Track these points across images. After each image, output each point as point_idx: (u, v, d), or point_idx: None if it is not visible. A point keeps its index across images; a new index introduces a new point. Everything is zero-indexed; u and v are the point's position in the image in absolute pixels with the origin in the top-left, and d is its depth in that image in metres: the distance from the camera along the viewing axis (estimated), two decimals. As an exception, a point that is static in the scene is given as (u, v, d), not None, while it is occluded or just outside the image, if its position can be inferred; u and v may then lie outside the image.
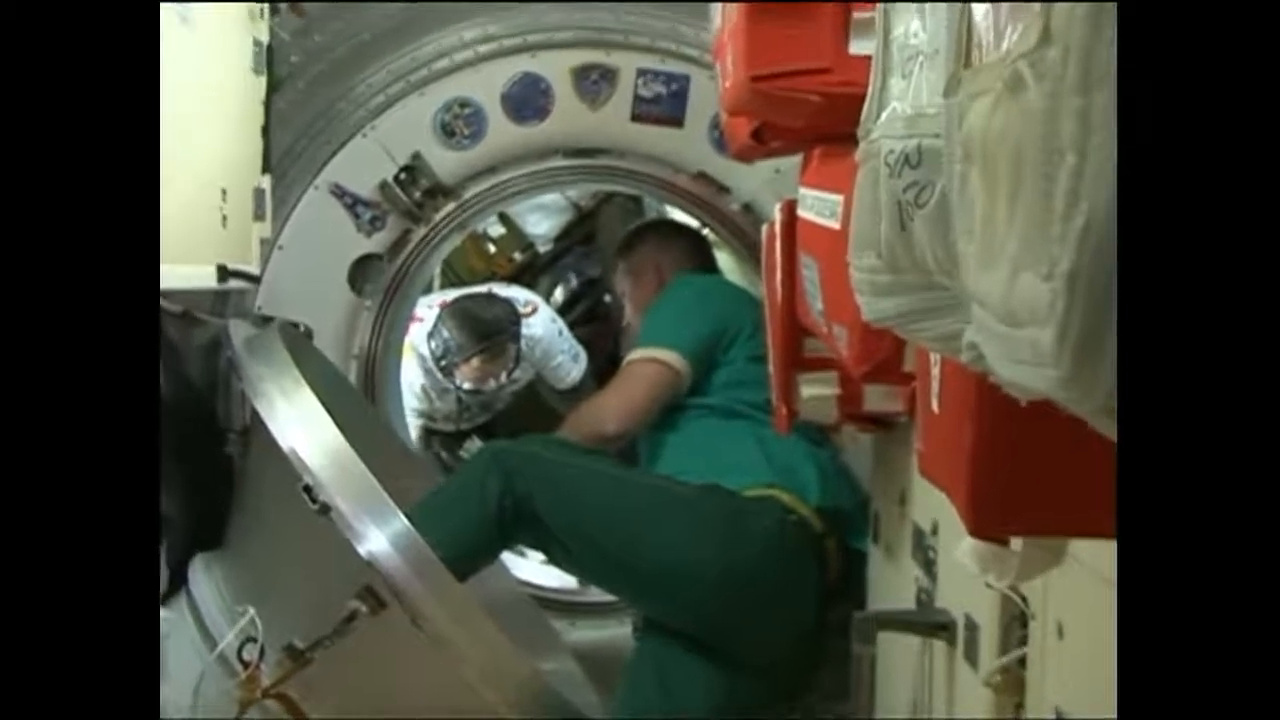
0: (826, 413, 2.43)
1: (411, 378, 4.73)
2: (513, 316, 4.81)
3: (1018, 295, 0.66)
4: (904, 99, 1.03)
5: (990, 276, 0.71)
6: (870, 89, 1.12)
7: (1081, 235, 0.61)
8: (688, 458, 3.19)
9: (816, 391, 2.39)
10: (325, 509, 2.54)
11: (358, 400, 3.55)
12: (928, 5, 0.97)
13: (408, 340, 4.41)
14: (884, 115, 1.07)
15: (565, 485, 2.96)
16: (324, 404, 2.71)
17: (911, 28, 1.03)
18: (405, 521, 2.59)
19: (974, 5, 0.81)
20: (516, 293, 5.07)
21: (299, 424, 2.68)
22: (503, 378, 4.85)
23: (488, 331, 4.70)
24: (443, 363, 4.74)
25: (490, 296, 4.91)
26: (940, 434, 1.25)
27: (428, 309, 4.75)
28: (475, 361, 4.72)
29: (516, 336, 4.81)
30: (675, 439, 3.28)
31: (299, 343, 3.23)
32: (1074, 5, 0.59)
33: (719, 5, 2.24)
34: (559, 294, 5.66)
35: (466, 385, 4.81)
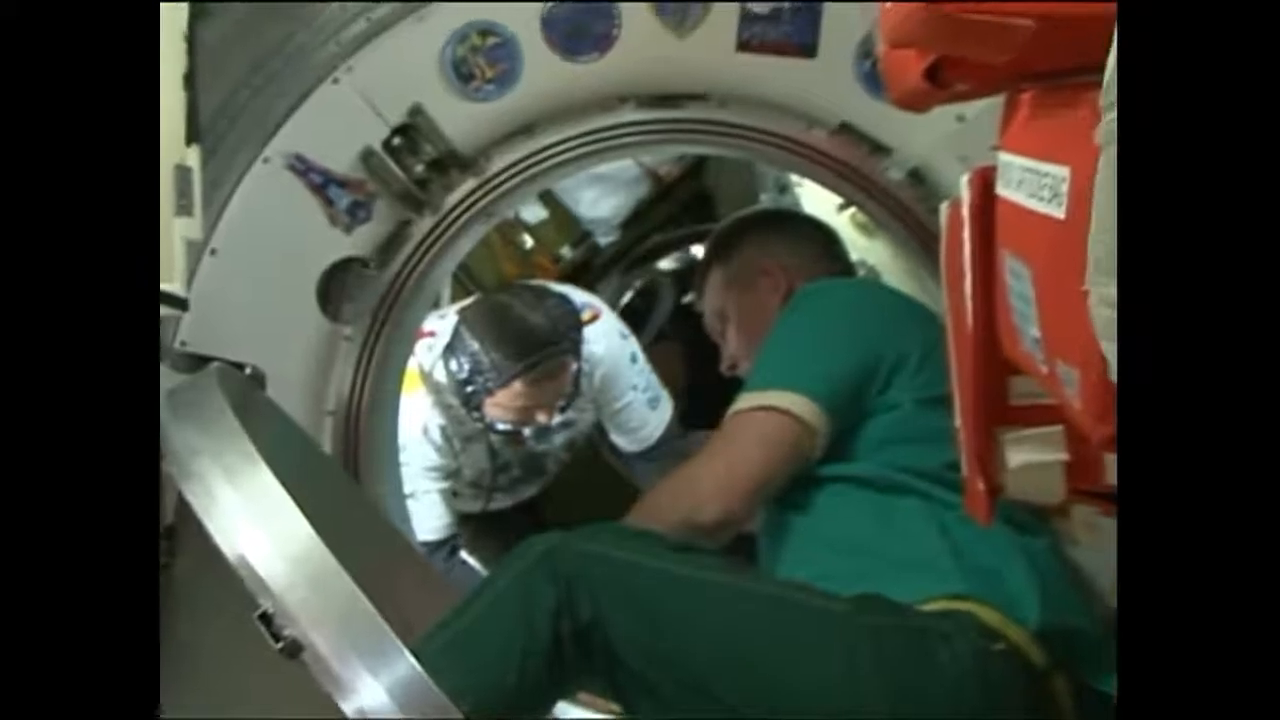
0: (1048, 489, 2.39)
1: (424, 418, 4.76)
2: (572, 320, 4.79)
3: None
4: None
5: None
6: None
7: None
8: (832, 554, 3.21)
9: (1032, 457, 2.36)
10: (294, 647, 2.56)
11: (336, 477, 3.58)
12: None
13: (414, 365, 4.43)
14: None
15: (650, 599, 2.95)
16: (287, 486, 2.73)
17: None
18: (413, 661, 2.61)
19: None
20: (571, 291, 5.06)
21: (251, 519, 2.70)
22: (554, 415, 4.83)
23: (537, 341, 4.64)
24: (469, 389, 4.69)
25: (538, 292, 4.87)
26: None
27: (440, 319, 4.76)
28: (518, 386, 4.66)
29: (577, 350, 4.78)
30: (810, 526, 3.30)
31: (247, 395, 3.26)
32: None
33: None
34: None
35: (502, 424, 4.78)
